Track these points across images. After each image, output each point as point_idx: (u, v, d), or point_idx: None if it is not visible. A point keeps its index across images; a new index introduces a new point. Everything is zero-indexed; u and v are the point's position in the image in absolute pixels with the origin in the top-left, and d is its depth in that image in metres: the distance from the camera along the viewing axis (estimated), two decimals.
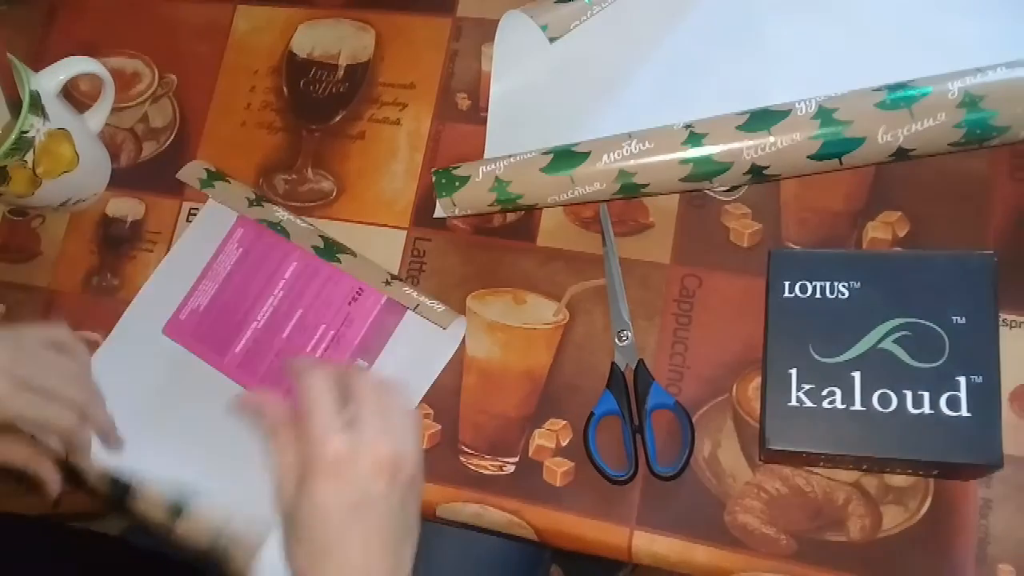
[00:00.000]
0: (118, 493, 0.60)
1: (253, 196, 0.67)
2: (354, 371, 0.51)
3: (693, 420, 0.56)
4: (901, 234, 0.58)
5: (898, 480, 0.54)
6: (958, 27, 0.58)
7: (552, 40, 0.62)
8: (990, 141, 0.53)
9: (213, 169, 0.70)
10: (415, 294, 0.61)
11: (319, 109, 0.70)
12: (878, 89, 0.54)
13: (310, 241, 0.64)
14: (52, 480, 0.59)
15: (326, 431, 0.47)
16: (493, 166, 0.59)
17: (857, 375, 0.50)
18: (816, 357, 0.51)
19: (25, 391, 0.55)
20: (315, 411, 0.48)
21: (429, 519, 0.60)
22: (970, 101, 0.52)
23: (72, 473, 0.60)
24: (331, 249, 0.63)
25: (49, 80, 0.65)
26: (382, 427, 0.48)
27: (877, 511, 0.53)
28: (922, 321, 0.50)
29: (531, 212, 0.63)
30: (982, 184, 0.57)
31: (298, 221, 0.66)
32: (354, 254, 0.64)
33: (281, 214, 0.66)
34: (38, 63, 0.76)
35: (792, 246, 0.59)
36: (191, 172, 0.70)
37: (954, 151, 0.54)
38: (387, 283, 0.62)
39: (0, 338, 0.56)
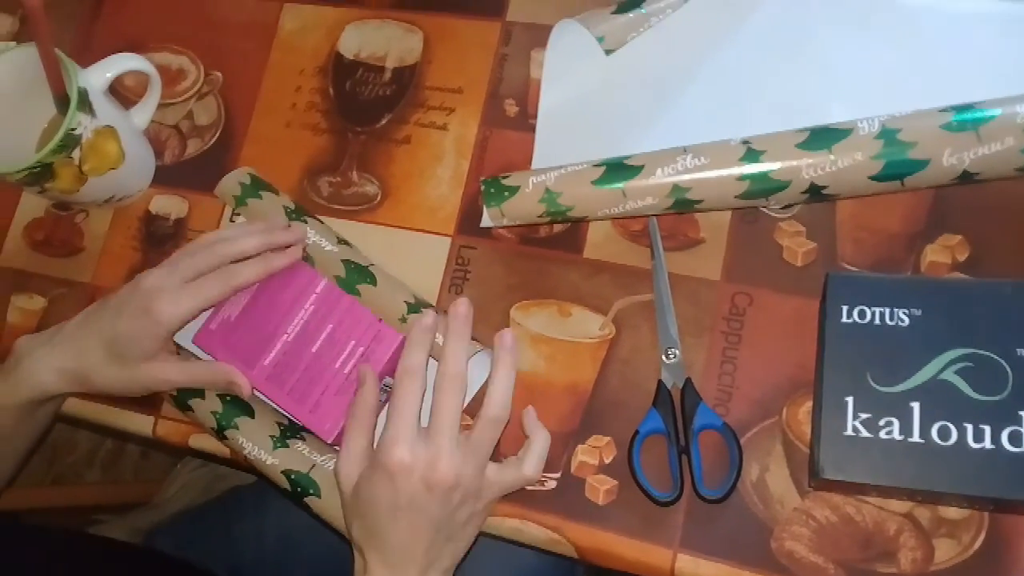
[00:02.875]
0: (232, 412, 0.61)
1: (292, 206, 0.66)
2: (454, 386, 0.55)
3: (741, 442, 0.55)
4: (961, 259, 0.56)
5: (952, 512, 0.52)
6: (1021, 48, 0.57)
7: (608, 52, 0.60)
8: None
9: (256, 176, 0.68)
10: None
11: (365, 111, 0.70)
12: (944, 110, 0.52)
13: (332, 270, 0.62)
14: (241, 380, 0.61)
15: (396, 438, 0.52)
16: (543, 177, 0.58)
17: (916, 406, 0.49)
18: (874, 386, 0.50)
19: (196, 298, 0.59)
20: (397, 415, 0.53)
21: None
22: None
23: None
24: (352, 278, 0.62)
25: (97, 77, 0.65)
26: (450, 448, 0.53)
27: (929, 544, 0.52)
28: (985, 352, 0.49)
29: (579, 223, 0.62)
30: None
31: (324, 245, 0.63)
32: (375, 283, 0.61)
33: (310, 236, 0.64)
34: (83, 55, 0.76)
35: (847, 266, 0.57)
36: (230, 183, 0.68)
37: (1021, 176, 0.53)
38: (403, 319, 0.60)
39: (157, 279, 0.60)
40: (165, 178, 0.72)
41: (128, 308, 0.59)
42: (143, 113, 0.71)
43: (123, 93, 0.75)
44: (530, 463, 0.56)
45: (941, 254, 0.56)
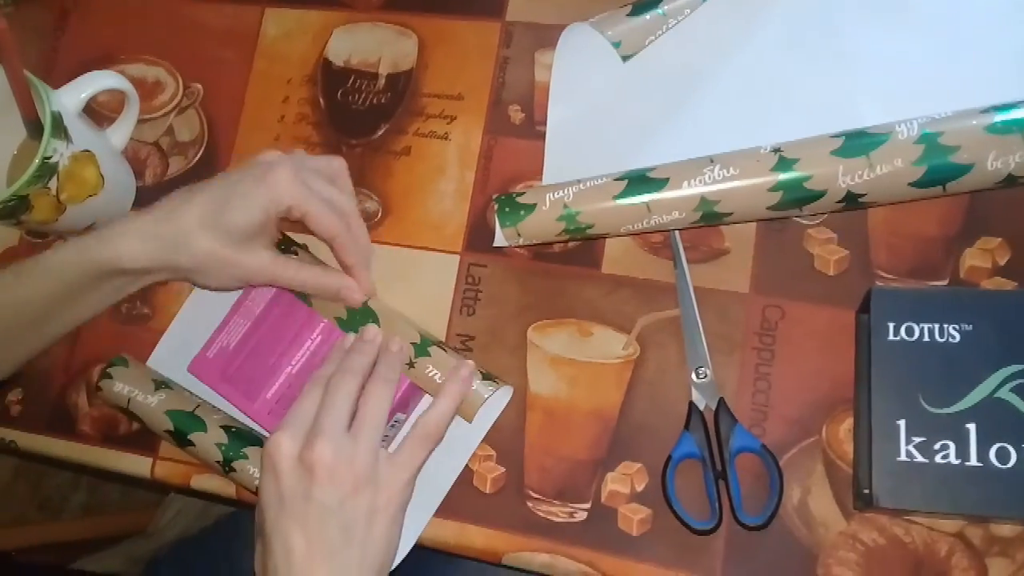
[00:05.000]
0: None
1: (280, 236, 0.61)
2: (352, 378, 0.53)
3: (781, 465, 0.53)
4: (1002, 262, 0.54)
5: (1005, 530, 0.50)
6: None
7: (626, 58, 0.57)
8: None
9: None
10: (438, 377, 0.55)
11: (359, 122, 0.66)
12: (985, 110, 0.49)
13: (333, 312, 0.58)
14: (347, 285, 0.58)
15: (280, 431, 0.50)
16: (561, 193, 0.54)
17: (972, 427, 0.46)
18: (926, 407, 0.47)
19: (310, 193, 0.55)
20: (291, 410, 0.52)
21: (494, 564, 0.57)
22: None
23: None
24: (354, 320, 0.58)
25: (70, 99, 0.60)
26: (333, 432, 0.50)
27: (982, 563, 0.50)
28: None
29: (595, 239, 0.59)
30: None
31: None
32: (378, 323, 0.57)
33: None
34: (51, 70, 0.72)
35: (882, 274, 0.55)
36: None
37: None
38: (410, 364, 0.56)
39: (282, 157, 0.57)
40: (147, 199, 0.66)
41: (248, 174, 0.55)
42: (121, 133, 0.66)
43: (96, 109, 0.70)
44: (428, 414, 0.53)
45: (980, 258, 0.54)
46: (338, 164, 0.59)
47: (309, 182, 0.55)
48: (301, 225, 0.56)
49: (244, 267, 0.56)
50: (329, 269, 0.59)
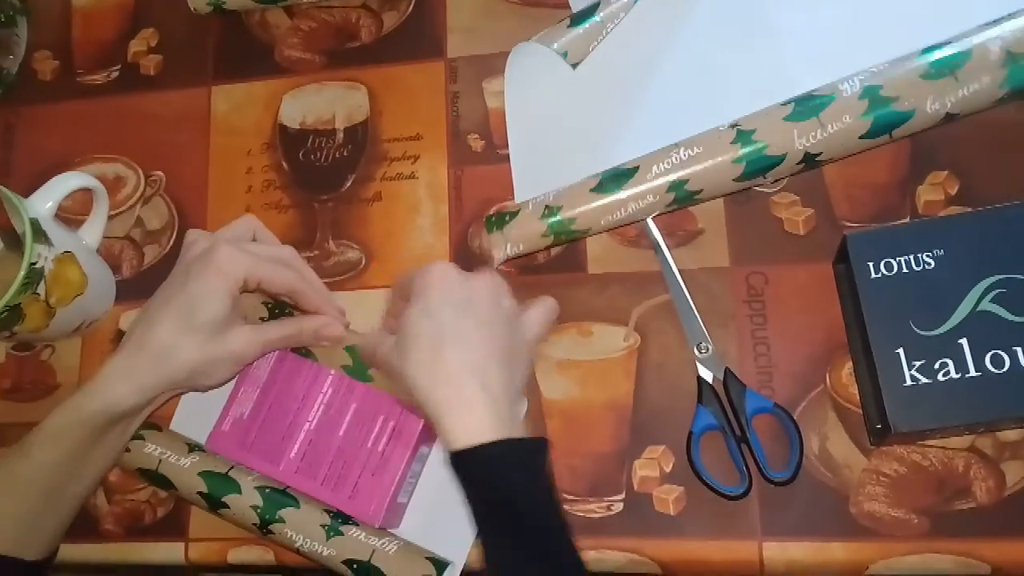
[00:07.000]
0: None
1: (271, 303, 0.62)
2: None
3: (795, 418, 0.55)
4: (952, 192, 0.58)
5: (1011, 435, 0.53)
6: None
7: (574, 66, 0.60)
8: None
9: None
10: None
11: (326, 178, 0.67)
12: (919, 57, 0.54)
13: (339, 361, 0.60)
14: (324, 323, 0.59)
15: (429, 266, 0.51)
16: (541, 197, 0.57)
17: (964, 342, 0.50)
18: (919, 332, 0.50)
19: (255, 258, 0.56)
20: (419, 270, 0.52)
21: None
22: (1011, 58, 0.52)
23: None
24: (361, 365, 0.59)
25: (43, 203, 0.61)
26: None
27: (998, 470, 0.53)
28: (1014, 275, 0.50)
29: (575, 243, 0.61)
30: (1021, 129, 0.58)
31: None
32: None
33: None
34: (6, 185, 0.72)
35: (849, 224, 0.58)
36: None
37: (999, 106, 0.54)
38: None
39: (206, 237, 0.58)
40: (129, 292, 0.68)
41: (193, 270, 0.55)
42: (93, 230, 0.67)
43: (60, 215, 0.70)
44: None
45: (933, 192, 0.58)
46: (253, 221, 0.62)
47: (248, 249, 0.57)
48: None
49: (234, 352, 0.56)
50: (305, 316, 0.60)
